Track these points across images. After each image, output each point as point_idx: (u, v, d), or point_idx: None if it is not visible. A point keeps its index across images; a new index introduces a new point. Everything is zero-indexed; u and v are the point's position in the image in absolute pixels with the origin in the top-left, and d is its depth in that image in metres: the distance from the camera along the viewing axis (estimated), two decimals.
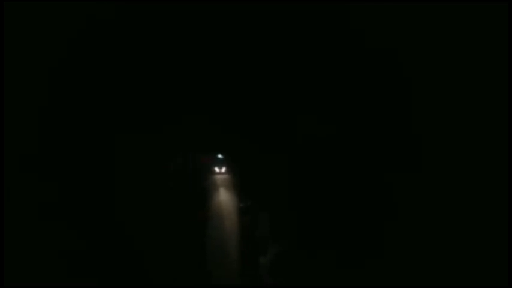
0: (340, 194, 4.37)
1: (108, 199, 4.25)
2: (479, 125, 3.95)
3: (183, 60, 4.38)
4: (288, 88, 4.49)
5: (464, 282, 3.74)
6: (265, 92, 4.50)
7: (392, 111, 4.26)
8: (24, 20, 3.91)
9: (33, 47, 3.97)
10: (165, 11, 4.18)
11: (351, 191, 4.35)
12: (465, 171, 3.98)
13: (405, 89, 4.19)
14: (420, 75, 4.13)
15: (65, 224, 4.04)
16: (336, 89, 4.41)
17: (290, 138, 4.58)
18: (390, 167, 4.25)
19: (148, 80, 4.35)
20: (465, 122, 4.01)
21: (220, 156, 4.94)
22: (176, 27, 4.26)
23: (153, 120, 4.40)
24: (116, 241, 4.19)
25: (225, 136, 4.70)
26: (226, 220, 4.75)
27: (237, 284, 4.55)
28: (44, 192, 4.01)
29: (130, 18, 4.14)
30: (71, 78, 4.16)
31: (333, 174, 4.44)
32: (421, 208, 4.07)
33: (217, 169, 4.94)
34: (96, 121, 4.29)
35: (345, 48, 4.29)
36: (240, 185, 4.86)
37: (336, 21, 4.22)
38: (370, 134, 4.34)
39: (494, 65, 3.87)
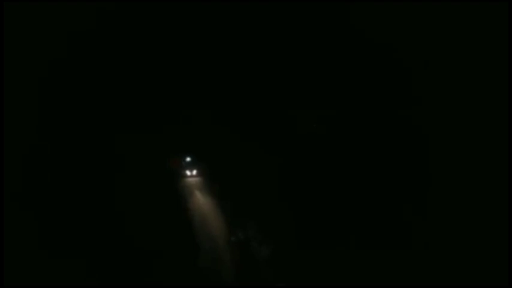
0: (337, 193, 4.34)
1: (100, 201, 4.23)
2: (478, 124, 3.94)
3: (165, 59, 4.34)
4: (270, 87, 4.44)
5: (465, 282, 3.73)
6: (242, 92, 4.45)
7: (389, 110, 4.24)
8: (24, 20, 3.89)
9: (33, 47, 3.96)
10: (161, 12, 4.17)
11: (350, 190, 4.32)
12: (465, 171, 3.97)
13: (402, 88, 4.17)
14: (419, 75, 4.12)
15: (65, 222, 4.03)
16: (329, 87, 4.38)
17: (275, 137, 4.51)
18: (383, 168, 4.23)
19: (123, 81, 4.32)
20: (465, 121, 4.00)
21: (189, 158, 4.73)
22: (163, 26, 4.23)
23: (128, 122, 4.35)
24: (113, 240, 4.18)
25: (196, 138, 4.57)
26: (208, 220, 4.59)
27: (233, 282, 4.50)
28: (44, 191, 4.00)
29: (129, 19, 4.12)
30: (69, 78, 4.15)
31: (327, 176, 4.38)
32: (423, 212, 4.05)
33: (188, 172, 4.75)
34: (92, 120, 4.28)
35: (336, 47, 4.26)
36: (220, 190, 4.61)
37: (329, 20, 4.20)
38: (362, 135, 4.32)
39: (494, 64, 3.87)
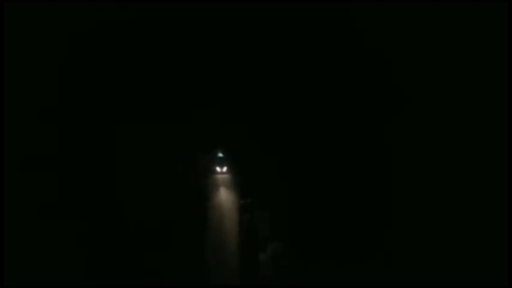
0: (340, 192, 4.36)
1: (108, 197, 4.23)
2: (479, 125, 3.95)
3: (184, 58, 4.36)
4: (286, 88, 4.47)
5: (465, 282, 3.73)
6: (266, 92, 4.48)
7: (391, 113, 4.25)
8: (22, 15, 3.90)
9: (34, 42, 3.97)
10: (166, 10, 4.19)
11: (351, 190, 4.34)
12: (464, 171, 3.98)
13: (404, 88, 4.18)
14: (421, 75, 4.13)
15: (64, 222, 4.03)
16: (333, 89, 4.39)
17: (290, 137, 4.55)
18: (389, 169, 4.24)
19: (149, 77, 4.33)
20: (465, 121, 4.00)
21: (221, 155, 4.80)
22: (178, 27, 4.26)
23: (154, 118, 4.37)
24: (116, 239, 4.18)
25: (227, 135, 4.62)
26: (226, 219, 4.67)
27: (237, 283, 4.52)
28: (44, 190, 4.00)
29: (132, 15, 4.14)
30: (72, 75, 4.16)
31: (332, 172, 4.41)
32: (421, 211, 4.06)
33: (218, 169, 4.80)
34: (96, 117, 4.28)
35: (342, 48, 4.28)
36: (242, 183, 4.76)
37: (336, 20, 4.22)
38: (367, 134, 4.33)
39: (494, 64, 3.87)
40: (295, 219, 4.49)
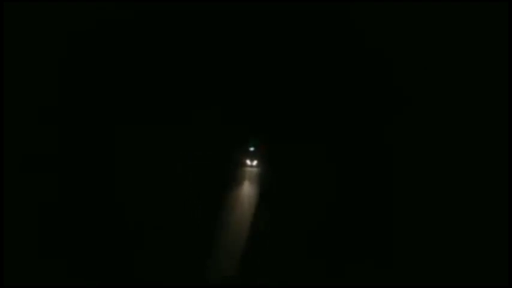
0: (339, 192, 4.34)
1: (108, 197, 4.22)
2: (479, 125, 3.95)
3: (184, 58, 4.36)
4: (286, 88, 4.46)
5: (465, 282, 3.73)
6: (265, 92, 4.48)
7: (391, 113, 4.25)
8: (22, 15, 3.91)
9: (34, 42, 3.97)
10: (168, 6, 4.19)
11: (350, 190, 4.33)
12: (464, 171, 3.98)
13: (404, 88, 4.18)
14: (421, 75, 4.13)
15: (64, 222, 4.02)
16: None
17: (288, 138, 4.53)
18: (390, 169, 4.24)
19: (149, 77, 4.33)
20: (465, 121, 4.00)
21: (252, 149, 4.71)
22: (178, 27, 4.27)
23: (155, 118, 4.37)
24: (116, 239, 4.17)
25: (260, 127, 4.56)
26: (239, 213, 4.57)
27: (237, 282, 4.50)
28: (44, 190, 3.99)
29: (132, 15, 4.14)
30: (72, 75, 4.16)
31: (331, 172, 4.39)
32: (421, 211, 4.05)
33: (248, 162, 4.71)
34: (96, 117, 4.28)
35: (342, 48, 4.28)
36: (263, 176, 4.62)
37: (336, 20, 4.22)
38: (367, 134, 4.33)
39: (494, 64, 3.87)
40: (296, 216, 4.47)
